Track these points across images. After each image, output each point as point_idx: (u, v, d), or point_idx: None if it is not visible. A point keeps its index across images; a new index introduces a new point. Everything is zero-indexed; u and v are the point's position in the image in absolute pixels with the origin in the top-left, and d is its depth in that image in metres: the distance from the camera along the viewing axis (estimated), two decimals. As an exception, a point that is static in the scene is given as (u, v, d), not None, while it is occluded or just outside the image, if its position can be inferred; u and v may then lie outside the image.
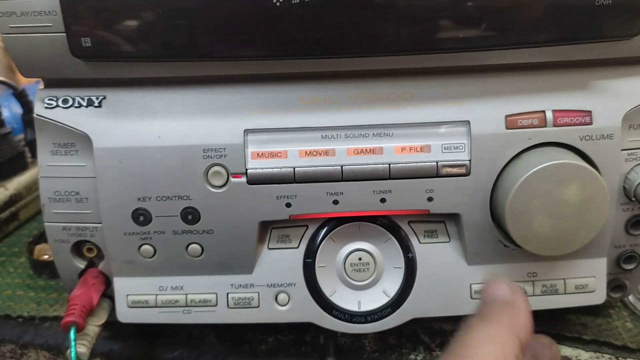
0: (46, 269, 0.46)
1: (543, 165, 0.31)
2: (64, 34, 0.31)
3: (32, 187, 0.54)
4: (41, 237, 0.48)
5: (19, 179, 0.54)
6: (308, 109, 0.34)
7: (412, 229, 0.36)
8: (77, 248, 0.36)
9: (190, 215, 0.34)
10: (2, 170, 0.53)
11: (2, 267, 0.48)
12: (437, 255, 0.36)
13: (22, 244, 0.51)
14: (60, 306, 0.43)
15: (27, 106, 0.56)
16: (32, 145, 0.57)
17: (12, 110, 0.68)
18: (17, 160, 0.55)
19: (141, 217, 0.34)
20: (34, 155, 0.58)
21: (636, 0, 0.30)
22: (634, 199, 0.34)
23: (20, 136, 0.61)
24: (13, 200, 0.52)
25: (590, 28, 0.31)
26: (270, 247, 0.36)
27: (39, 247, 0.47)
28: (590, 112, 0.33)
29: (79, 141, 0.34)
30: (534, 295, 0.36)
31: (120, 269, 0.36)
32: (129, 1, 0.30)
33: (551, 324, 0.40)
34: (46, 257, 0.46)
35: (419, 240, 0.36)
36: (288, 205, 0.34)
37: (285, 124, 0.33)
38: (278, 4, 0.30)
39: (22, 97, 0.56)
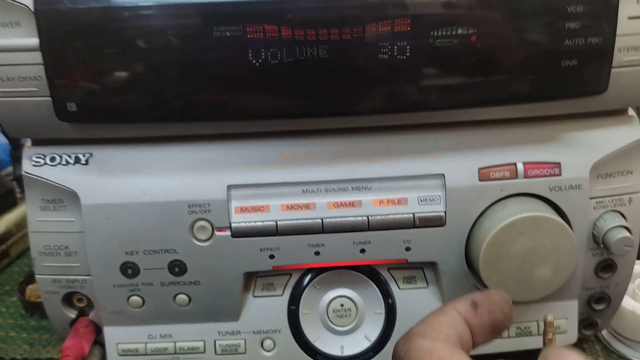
0: (38, 310, 0.47)
1: (514, 217, 0.33)
2: (50, 98, 0.32)
3: (22, 224, 0.55)
4: (32, 277, 0.49)
5: (9, 216, 0.55)
6: (289, 164, 0.35)
7: (392, 276, 0.37)
8: (68, 298, 0.37)
9: (177, 268, 0.35)
10: (-8, 208, 0.54)
11: (-6, 306, 0.49)
12: (416, 301, 0.37)
13: (13, 282, 0.52)
14: (52, 347, 0.44)
15: (15, 142, 0.57)
16: (21, 180, 0.58)
17: (-1, 141, 0.69)
18: (6, 197, 0.56)
19: (129, 270, 0.35)
20: (23, 190, 0.59)
21: (600, 62, 0.32)
22: (602, 245, 0.36)
23: (8, 169, 0.61)
24: (3, 238, 0.53)
25: (558, 87, 0.32)
26: (255, 295, 0.37)
27: (30, 287, 0.48)
28: (559, 163, 0.35)
29: (67, 197, 0.35)
30: (509, 337, 0.37)
31: (110, 319, 0.37)
32: (112, 68, 0.31)
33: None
34: (38, 298, 0.47)
35: (398, 286, 0.37)
36: (271, 256, 0.35)
37: (267, 179, 0.35)
38: (257, 64, 0.31)
39: (10, 134, 0.56)
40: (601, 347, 0.43)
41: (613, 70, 0.32)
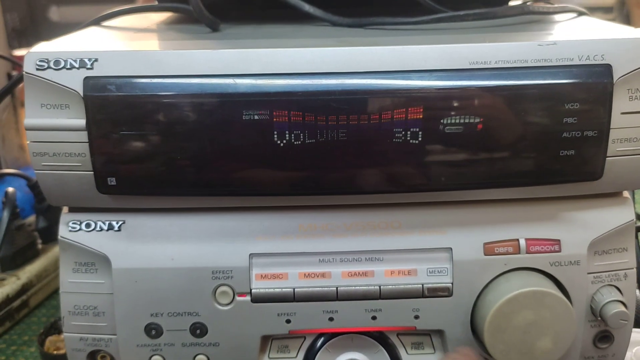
0: (57, 362, 0.48)
1: (517, 292, 0.35)
2: (92, 172, 0.35)
3: (42, 275, 0.58)
4: (52, 328, 0.51)
5: (31, 267, 0.57)
6: (307, 235, 0.37)
7: (401, 341, 0.39)
8: (92, 355, 0.39)
9: (199, 330, 0.37)
10: (16, 259, 0.56)
11: (14, 357, 0.51)
12: (423, 366, 0.39)
13: (31, 332, 0.54)
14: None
15: (39, 196, 0.60)
16: (42, 232, 0.61)
17: (22, 190, 0.72)
18: (29, 248, 0.58)
19: (153, 330, 0.38)
20: (44, 241, 0.61)
21: (595, 152, 0.35)
22: (599, 317, 0.38)
23: (31, 219, 0.64)
24: (25, 288, 0.56)
25: (557, 173, 0.35)
26: (270, 356, 0.39)
27: (50, 339, 0.50)
28: (559, 240, 0.37)
29: (98, 261, 0.38)
30: (511, 404, 0.39)
31: (132, 376, 0.39)
32: (150, 148, 0.34)
33: None
34: (59, 350, 0.49)
35: (406, 351, 0.39)
36: (288, 321, 0.37)
37: (286, 248, 0.37)
38: (282, 145, 0.34)
39: (35, 188, 0.59)
40: (600, 414, 0.44)
41: (608, 159, 0.35)
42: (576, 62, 0.34)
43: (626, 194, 0.39)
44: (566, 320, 0.36)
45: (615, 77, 0.34)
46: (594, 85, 0.34)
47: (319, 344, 0.39)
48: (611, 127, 0.34)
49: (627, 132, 0.35)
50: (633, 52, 0.34)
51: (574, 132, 0.34)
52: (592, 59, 0.34)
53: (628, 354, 0.45)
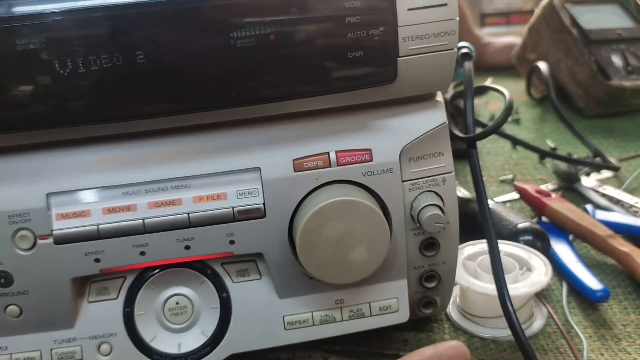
0: None
1: (322, 204, 0.34)
2: None
3: None
4: None
5: None
6: (108, 169, 0.36)
7: (225, 270, 0.38)
8: None
9: (3, 279, 0.35)
10: None
11: None
12: (250, 293, 0.38)
13: None
14: None
15: None
16: None
17: None
18: None
19: (-45, 285, 0.35)
20: None
21: (384, 53, 0.34)
22: (419, 224, 0.37)
23: None
24: None
25: (349, 78, 0.34)
26: (90, 300, 0.38)
27: None
28: (370, 150, 0.37)
29: None
30: (342, 320, 0.39)
31: (-58, 336, 0.37)
32: None
33: (375, 342, 0.43)
34: None
35: (232, 279, 0.38)
36: (97, 260, 0.36)
37: (87, 184, 0.35)
38: (65, 74, 0.32)
39: None
40: (449, 325, 0.45)
41: (401, 59, 0.34)
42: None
43: (439, 97, 0.39)
44: (377, 227, 0.35)
45: (394, -30, 0.33)
46: (373, -20, 0.33)
47: (139, 281, 0.38)
48: (399, 24, 0.34)
49: (417, 29, 0.34)
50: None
51: (358, 32, 0.33)
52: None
53: (472, 264, 0.46)
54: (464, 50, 0.53)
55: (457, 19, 0.35)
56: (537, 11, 0.96)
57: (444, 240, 0.39)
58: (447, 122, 0.38)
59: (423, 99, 0.38)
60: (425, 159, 0.38)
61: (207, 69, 0.33)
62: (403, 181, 0.37)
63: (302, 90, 0.34)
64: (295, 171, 0.36)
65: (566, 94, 0.92)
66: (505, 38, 1.23)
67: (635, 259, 0.47)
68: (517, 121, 0.91)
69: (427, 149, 0.38)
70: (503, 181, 0.70)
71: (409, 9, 0.34)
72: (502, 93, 0.49)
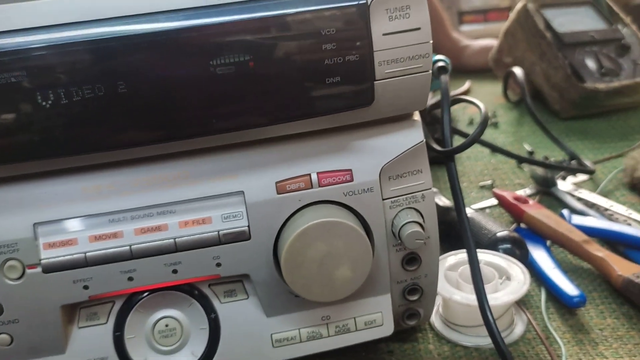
0: None
1: (305, 226, 0.35)
2: None
3: None
4: None
5: None
6: (92, 197, 0.36)
7: (213, 291, 0.39)
8: None
9: (-7, 309, 0.36)
10: None
11: None
12: (238, 312, 0.39)
13: None
14: None
15: None
16: None
17: None
18: None
19: (-56, 316, 0.36)
20: None
21: (361, 77, 0.35)
22: (400, 240, 0.39)
23: None
24: None
25: (328, 102, 0.35)
26: (80, 325, 0.38)
27: None
28: (350, 170, 0.38)
29: None
30: (329, 336, 0.40)
31: None
32: None
33: (362, 354, 0.44)
34: None
35: (219, 300, 0.39)
36: (86, 287, 0.36)
37: (73, 213, 0.36)
38: (47, 105, 0.33)
39: None
40: (433, 335, 0.46)
41: (377, 82, 0.35)
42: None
43: (416, 116, 0.40)
44: (359, 246, 0.36)
45: (369, -2, 0.34)
46: (348, 8, 0.34)
47: (128, 306, 0.38)
48: (374, 49, 0.35)
49: (392, 53, 0.35)
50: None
51: (335, 58, 0.34)
52: (342, -18, 0.34)
53: (453, 275, 0.47)
54: (440, 64, 0.54)
55: (431, 42, 0.36)
56: (512, 15, 0.98)
57: (424, 254, 0.40)
58: (424, 140, 0.39)
59: (401, 119, 0.39)
60: (405, 177, 0.39)
61: (189, 97, 0.34)
62: (383, 199, 0.38)
63: (283, 116, 0.35)
64: (278, 193, 0.37)
65: (542, 97, 0.94)
66: (483, 41, 1.24)
67: (610, 263, 0.49)
68: (495, 125, 0.92)
69: (406, 167, 0.39)
70: (483, 187, 0.71)
71: (384, 34, 0.35)
72: (477, 106, 0.50)
